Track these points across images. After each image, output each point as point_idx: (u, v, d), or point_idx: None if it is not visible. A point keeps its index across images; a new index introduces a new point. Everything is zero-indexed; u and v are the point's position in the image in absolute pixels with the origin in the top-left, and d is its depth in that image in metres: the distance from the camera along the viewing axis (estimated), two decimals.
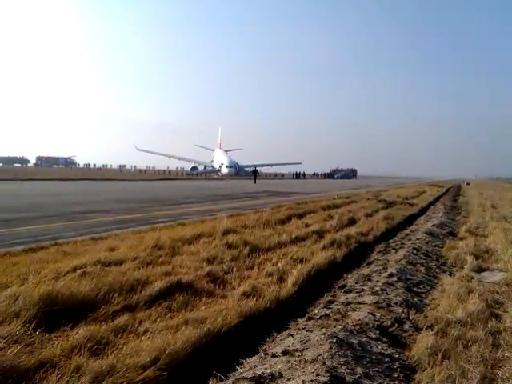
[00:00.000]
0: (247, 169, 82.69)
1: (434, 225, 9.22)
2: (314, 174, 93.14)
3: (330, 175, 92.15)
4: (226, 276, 4.40)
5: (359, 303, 3.77)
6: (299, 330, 3.16)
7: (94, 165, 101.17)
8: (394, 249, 6.53)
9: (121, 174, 52.64)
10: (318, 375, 2.33)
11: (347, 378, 2.36)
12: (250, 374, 2.41)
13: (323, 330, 3.03)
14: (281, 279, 4.34)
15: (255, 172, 44.79)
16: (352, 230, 7.58)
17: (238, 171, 75.24)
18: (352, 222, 9.08)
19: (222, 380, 2.51)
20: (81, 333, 2.78)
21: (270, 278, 4.31)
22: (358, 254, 6.27)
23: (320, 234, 7.10)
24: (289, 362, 2.54)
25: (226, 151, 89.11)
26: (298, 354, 2.63)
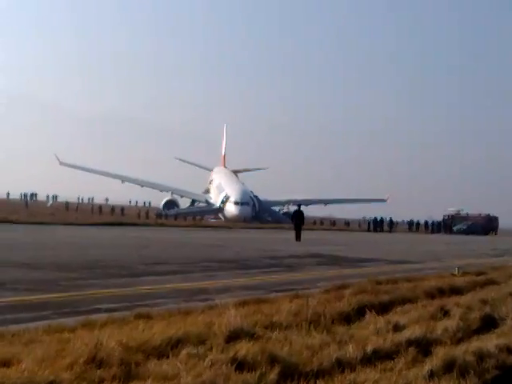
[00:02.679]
0: (277, 209, 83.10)
1: None
2: (411, 224, 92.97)
3: (445, 226, 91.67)
4: None
5: None
6: None
7: None
8: None
9: (26, 211, 53.77)
10: None
11: None
12: None
13: None
14: None
15: (298, 216, 38.67)
16: (489, 342, 7.46)
17: (257, 212, 75.70)
18: (489, 323, 9.02)
19: None
20: None
21: None
22: None
23: (423, 348, 7.04)
24: None
25: (236, 173, 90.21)
26: None
